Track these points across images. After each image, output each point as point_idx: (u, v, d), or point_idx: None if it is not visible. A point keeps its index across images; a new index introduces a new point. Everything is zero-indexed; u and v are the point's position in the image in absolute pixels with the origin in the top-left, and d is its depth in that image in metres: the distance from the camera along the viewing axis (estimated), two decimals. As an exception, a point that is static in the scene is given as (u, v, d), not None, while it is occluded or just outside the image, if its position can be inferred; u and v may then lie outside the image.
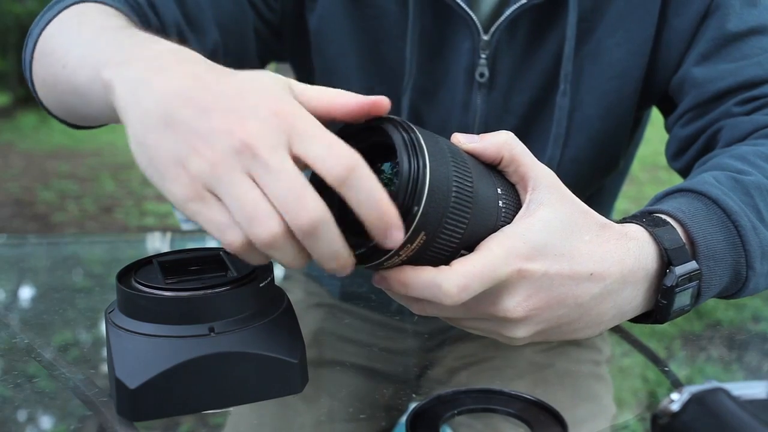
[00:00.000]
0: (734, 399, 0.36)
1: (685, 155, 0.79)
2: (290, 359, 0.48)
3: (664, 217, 0.58)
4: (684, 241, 0.56)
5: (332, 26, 0.85)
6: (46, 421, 0.59)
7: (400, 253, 0.45)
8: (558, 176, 0.84)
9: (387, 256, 0.44)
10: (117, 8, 0.70)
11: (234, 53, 0.83)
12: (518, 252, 0.47)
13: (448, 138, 0.51)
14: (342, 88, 0.90)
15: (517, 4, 0.76)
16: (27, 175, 4.92)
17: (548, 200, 0.50)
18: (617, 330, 0.73)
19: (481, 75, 0.81)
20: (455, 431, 0.53)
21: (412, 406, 0.53)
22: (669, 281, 0.54)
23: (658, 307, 0.55)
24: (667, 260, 0.54)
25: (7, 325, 0.75)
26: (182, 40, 0.78)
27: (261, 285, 0.50)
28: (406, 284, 0.46)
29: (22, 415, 0.58)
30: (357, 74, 0.85)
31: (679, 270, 0.54)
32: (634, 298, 0.54)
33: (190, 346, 0.46)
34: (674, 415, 0.37)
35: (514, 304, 0.48)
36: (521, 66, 0.82)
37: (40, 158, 5.36)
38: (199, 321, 0.47)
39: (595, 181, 0.90)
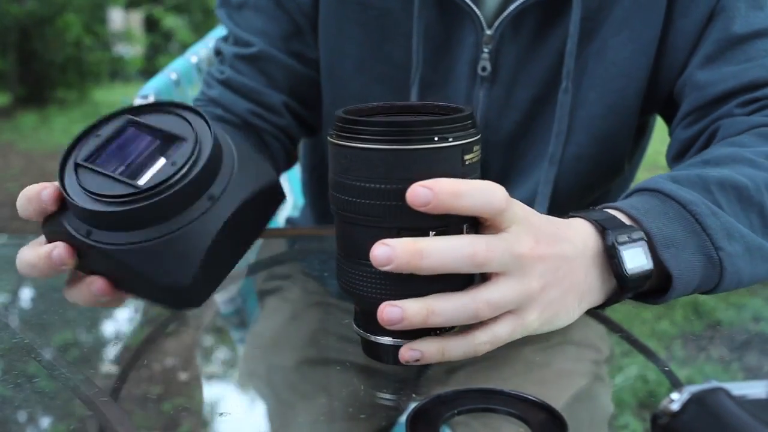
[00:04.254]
0: (734, 399, 0.36)
1: (685, 157, 0.79)
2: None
3: (611, 212, 0.59)
4: (627, 222, 0.58)
5: (331, 29, 0.85)
6: (46, 421, 0.59)
7: None
8: (560, 173, 0.84)
9: None
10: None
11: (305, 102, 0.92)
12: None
13: None
14: (339, 89, 0.92)
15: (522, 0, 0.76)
16: (27, 175, 4.91)
17: None
18: (617, 330, 0.73)
19: (483, 69, 0.82)
20: (455, 431, 0.53)
21: (412, 405, 0.53)
22: (608, 240, 0.56)
23: (614, 267, 0.57)
24: (601, 228, 0.57)
25: (7, 325, 0.75)
26: (264, 121, 0.88)
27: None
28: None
29: (22, 415, 0.58)
30: (355, 75, 0.86)
31: (615, 231, 0.57)
32: (587, 276, 0.56)
33: (207, 222, 0.49)
34: (674, 415, 0.37)
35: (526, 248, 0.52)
36: (524, 61, 0.82)
37: (40, 158, 5.36)
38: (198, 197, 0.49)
39: (598, 183, 0.90)
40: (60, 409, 0.59)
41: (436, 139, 0.49)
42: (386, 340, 0.55)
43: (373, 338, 0.56)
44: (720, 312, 0.78)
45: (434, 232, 0.51)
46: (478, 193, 0.49)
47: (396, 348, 0.55)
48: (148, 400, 0.61)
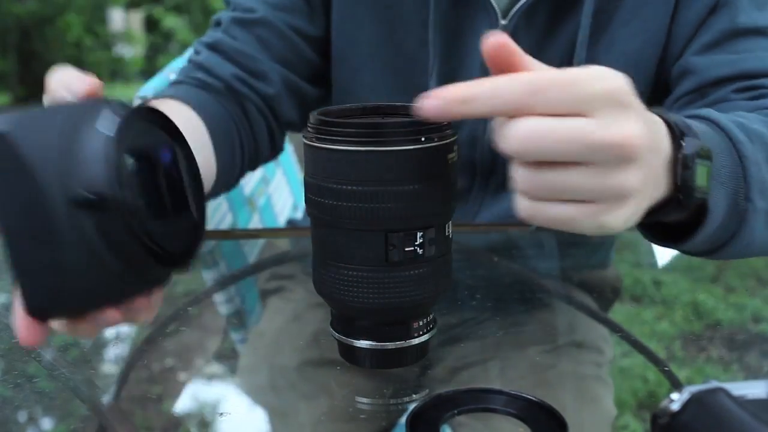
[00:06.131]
0: (734, 399, 0.36)
1: None
2: None
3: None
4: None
5: (344, 16, 0.85)
6: (46, 421, 0.59)
7: None
8: None
9: None
10: (186, 101, 0.76)
11: (296, 90, 0.88)
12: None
13: None
14: (350, 78, 0.92)
15: None
16: (27, 175, 4.91)
17: None
18: (617, 330, 0.73)
19: None
20: (455, 431, 0.53)
21: (412, 405, 0.53)
22: (689, 149, 0.50)
23: (683, 179, 0.50)
24: (678, 133, 0.51)
25: (7, 325, 0.75)
26: (250, 88, 0.84)
27: None
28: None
29: (22, 415, 0.58)
30: (367, 64, 0.86)
31: (693, 141, 0.50)
32: (660, 164, 0.49)
33: None
34: (674, 415, 0.37)
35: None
36: (538, 53, 0.81)
37: (40, 158, 5.36)
38: None
39: None
40: (60, 409, 0.59)
41: (423, 139, 0.49)
42: (363, 343, 0.55)
43: (351, 342, 0.56)
44: (720, 312, 0.78)
45: (421, 233, 0.51)
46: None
47: (373, 351, 0.55)
48: (148, 400, 0.61)
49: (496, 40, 0.46)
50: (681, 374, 0.65)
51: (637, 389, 0.63)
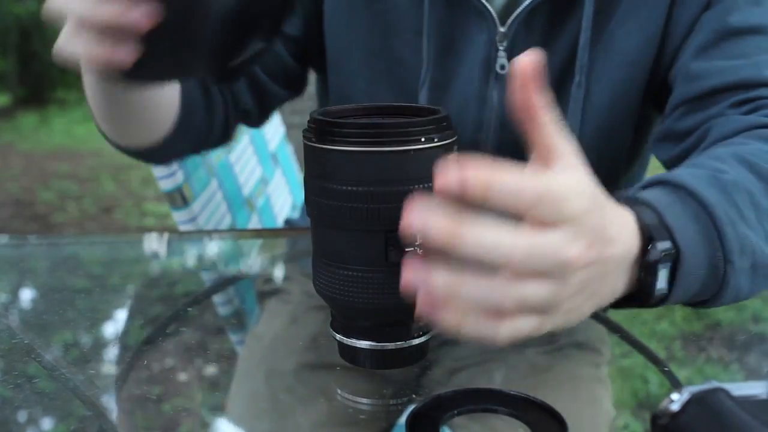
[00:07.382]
0: (734, 399, 0.36)
1: (674, 149, 0.78)
2: None
3: (651, 213, 0.55)
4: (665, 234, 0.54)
5: (337, 22, 0.85)
6: (46, 422, 0.59)
7: None
8: None
9: None
10: None
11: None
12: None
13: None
14: (346, 84, 0.92)
15: None
16: (27, 175, 4.91)
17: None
18: (617, 330, 0.73)
19: (502, 67, 0.81)
20: (455, 431, 0.53)
21: (412, 406, 0.53)
22: (653, 256, 0.52)
23: (644, 283, 0.53)
24: (648, 236, 0.52)
25: (7, 326, 0.75)
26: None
27: None
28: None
29: (22, 416, 0.58)
30: (362, 70, 0.86)
31: (660, 246, 0.52)
32: (615, 284, 0.52)
33: None
34: (674, 415, 0.37)
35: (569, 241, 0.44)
36: None
37: (40, 158, 5.36)
38: None
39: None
40: (60, 410, 0.59)
41: (423, 139, 0.49)
42: (363, 344, 0.55)
43: (351, 342, 0.56)
44: (720, 312, 0.78)
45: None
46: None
47: (373, 352, 0.55)
48: (148, 400, 0.61)
49: (525, 68, 0.44)
50: (681, 374, 0.65)
51: (637, 389, 0.63)
